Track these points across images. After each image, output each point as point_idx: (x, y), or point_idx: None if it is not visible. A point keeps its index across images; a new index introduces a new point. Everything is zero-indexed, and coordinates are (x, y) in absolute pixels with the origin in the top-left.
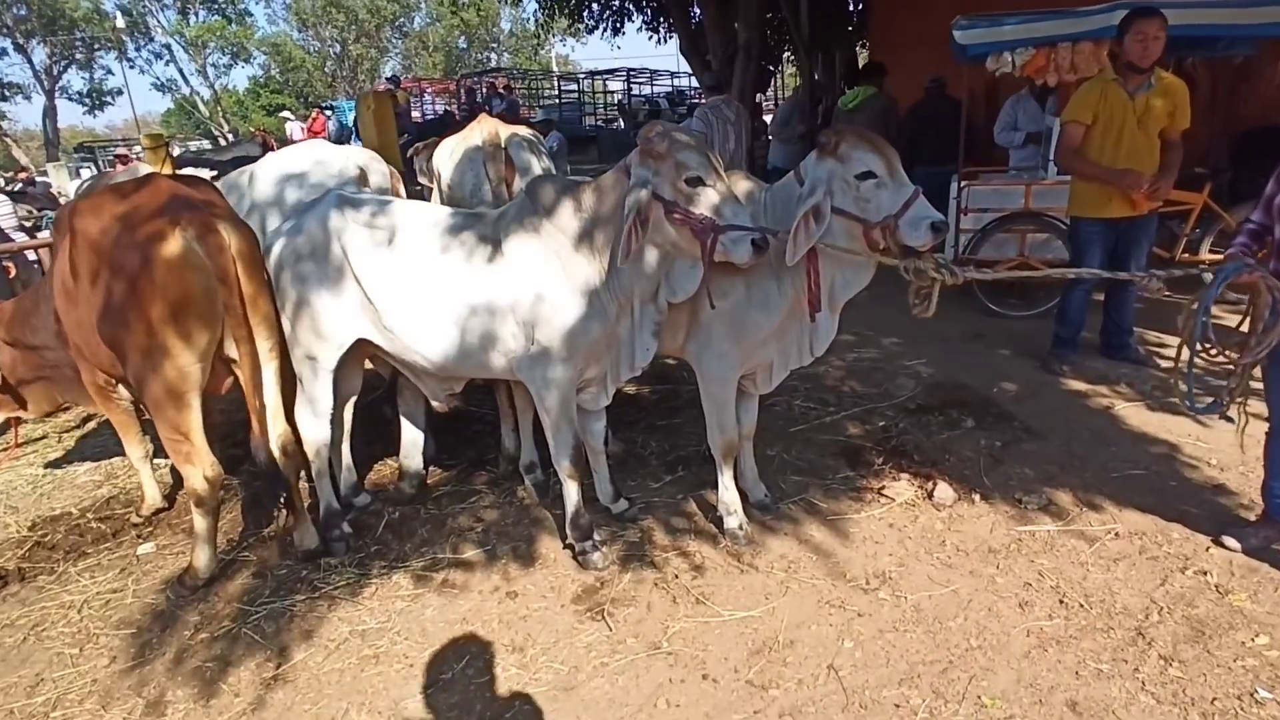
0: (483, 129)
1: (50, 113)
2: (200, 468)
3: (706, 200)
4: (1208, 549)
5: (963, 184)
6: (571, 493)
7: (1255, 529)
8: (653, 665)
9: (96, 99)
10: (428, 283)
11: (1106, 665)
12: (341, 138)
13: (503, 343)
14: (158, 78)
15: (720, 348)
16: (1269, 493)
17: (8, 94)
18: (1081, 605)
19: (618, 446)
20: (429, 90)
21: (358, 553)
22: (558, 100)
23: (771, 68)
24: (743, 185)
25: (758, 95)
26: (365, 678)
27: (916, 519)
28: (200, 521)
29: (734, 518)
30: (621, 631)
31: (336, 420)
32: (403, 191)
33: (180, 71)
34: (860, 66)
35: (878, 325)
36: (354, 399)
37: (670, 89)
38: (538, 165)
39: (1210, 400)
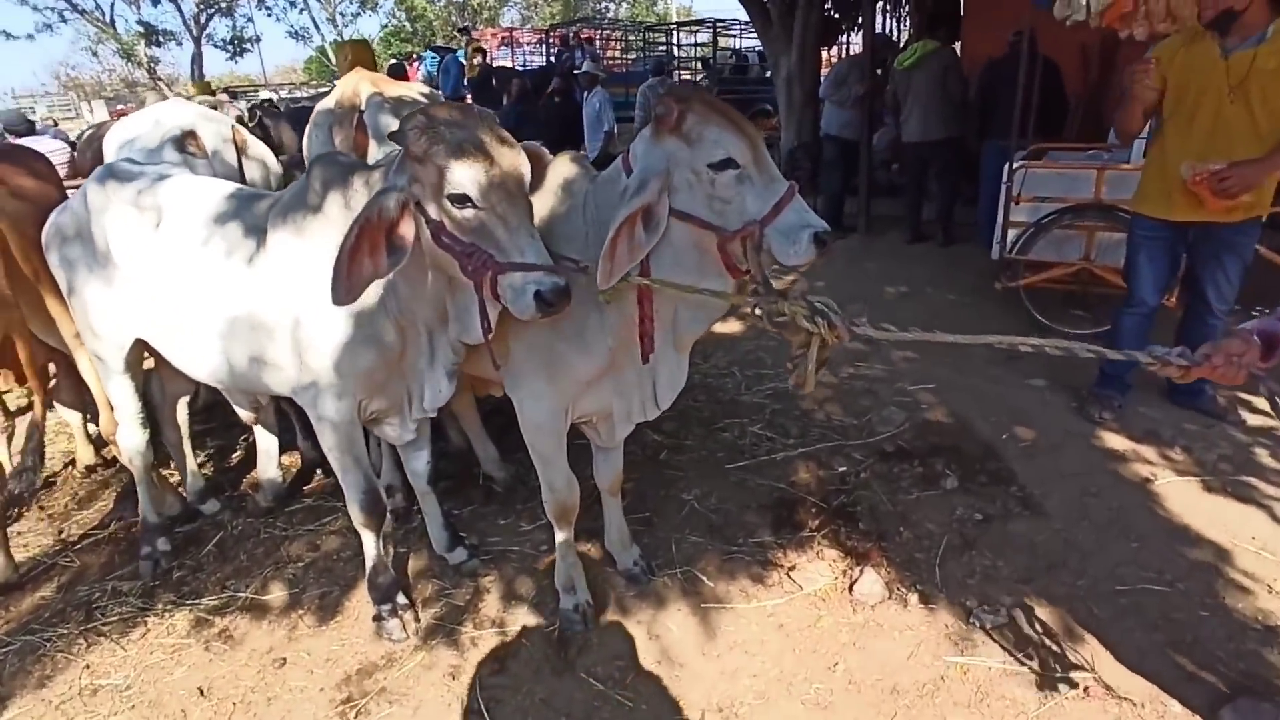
0: (342, 86)
1: (197, 59)
2: None
3: (480, 228)
4: None
5: (1017, 165)
6: (369, 545)
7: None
8: None
9: (237, 46)
10: (187, 282)
11: None
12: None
13: (274, 365)
14: (292, 26)
15: (533, 386)
16: None
17: (161, 40)
18: None
19: (505, 472)
20: (527, 41)
21: (157, 579)
22: (642, 54)
23: (840, 18)
24: (562, 171)
25: (824, 50)
26: None
27: (818, 621)
28: None
29: (570, 596)
30: None
31: (169, 421)
32: (258, 153)
33: (313, 19)
34: (929, 16)
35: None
36: (185, 398)
37: None
38: None
39: None
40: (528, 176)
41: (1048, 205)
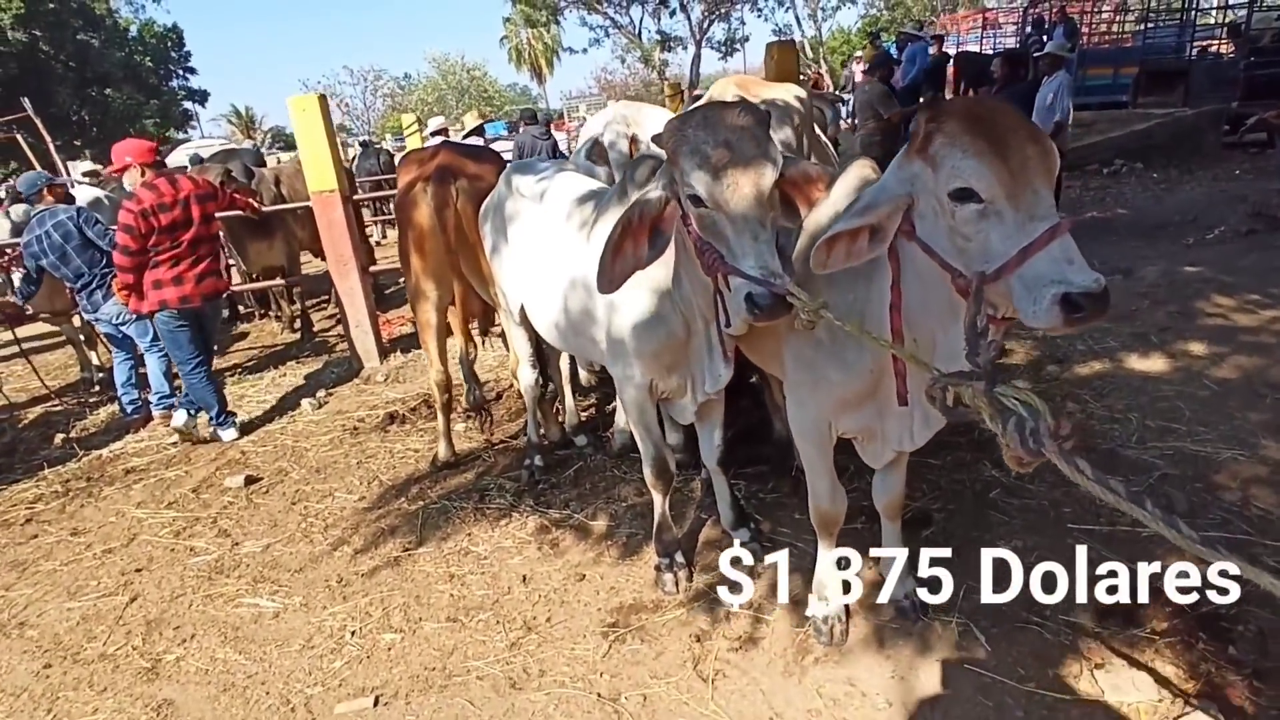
0: (713, 90)
1: (696, 60)
2: (431, 372)
3: (711, 227)
4: None
5: None
6: (657, 504)
7: None
8: None
9: (729, 47)
10: (547, 254)
11: None
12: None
13: (593, 337)
14: (777, 25)
15: (799, 394)
16: None
17: (671, 45)
18: None
19: None
20: (1006, 22)
21: (527, 486)
22: (1143, 25)
23: None
24: (850, 178)
25: None
26: (410, 578)
27: None
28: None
29: (823, 605)
30: (608, 664)
31: (554, 368)
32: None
33: (796, 17)
34: None
35: None
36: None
37: None
38: None
39: None
40: (766, 185)
41: None
